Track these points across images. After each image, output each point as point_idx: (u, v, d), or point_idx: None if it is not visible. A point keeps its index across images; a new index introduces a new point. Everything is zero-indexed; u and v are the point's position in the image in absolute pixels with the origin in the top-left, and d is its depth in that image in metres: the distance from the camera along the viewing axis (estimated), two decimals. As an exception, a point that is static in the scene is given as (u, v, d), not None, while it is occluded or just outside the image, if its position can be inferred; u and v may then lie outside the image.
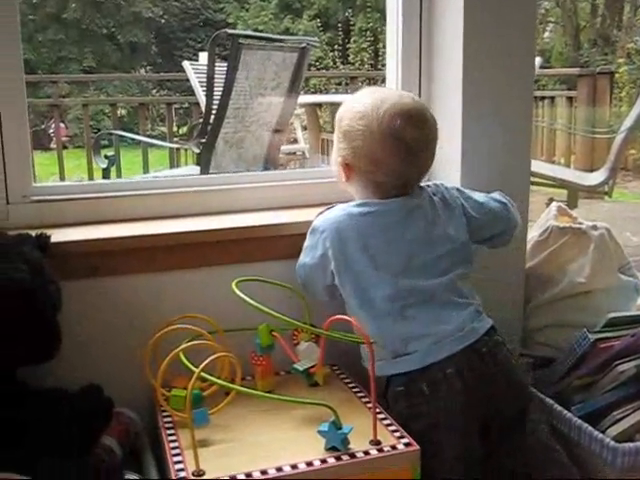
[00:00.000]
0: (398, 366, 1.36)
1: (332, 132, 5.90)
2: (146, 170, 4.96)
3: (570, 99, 5.99)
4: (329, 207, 1.48)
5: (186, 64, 4.42)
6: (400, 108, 1.38)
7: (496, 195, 1.57)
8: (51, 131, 8.18)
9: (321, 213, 1.47)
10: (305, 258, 1.45)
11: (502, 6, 1.63)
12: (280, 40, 3.48)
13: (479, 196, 1.54)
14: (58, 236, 1.36)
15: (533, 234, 1.82)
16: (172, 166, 5.27)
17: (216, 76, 3.07)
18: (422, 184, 1.49)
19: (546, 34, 12.36)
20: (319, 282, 1.44)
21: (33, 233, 1.32)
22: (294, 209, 1.64)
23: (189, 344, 1.29)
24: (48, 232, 1.34)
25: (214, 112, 3.06)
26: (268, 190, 1.67)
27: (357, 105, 1.42)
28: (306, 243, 1.46)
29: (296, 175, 1.80)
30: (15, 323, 1.14)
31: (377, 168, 1.39)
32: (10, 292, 1.12)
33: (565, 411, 1.53)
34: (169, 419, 1.33)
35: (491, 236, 1.54)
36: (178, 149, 5.25)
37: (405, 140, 1.37)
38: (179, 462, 1.19)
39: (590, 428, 1.47)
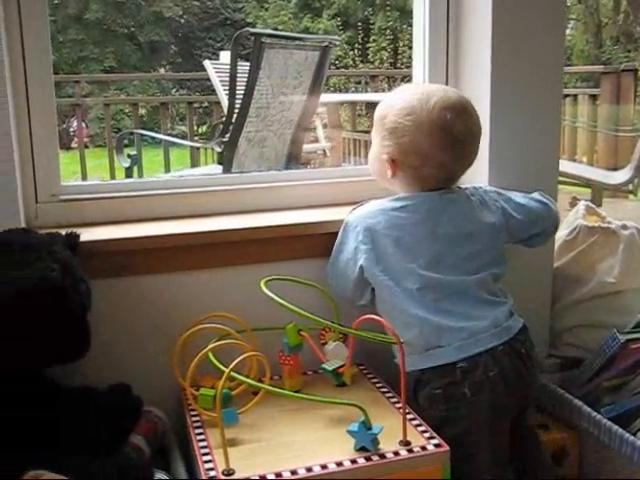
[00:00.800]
0: (431, 359, 1.35)
1: (353, 131, 5.90)
2: (167, 169, 4.98)
3: (593, 97, 5.93)
4: (362, 203, 1.47)
5: (207, 63, 4.43)
6: (448, 101, 1.38)
7: (536, 195, 1.56)
8: (72, 130, 8.26)
9: (354, 209, 1.46)
10: (337, 254, 1.45)
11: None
12: (302, 39, 3.47)
13: (519, 197, 1.53)
14: (86, 235, 1.36)
15: (561, 233, 1.80)
16: (193, 165, 5.29)
17: (238, 75, 3.08)
18: (461, 185, 1.48)
19: (567, 31, 12.25)
20: (350, 278, 1.43)
21: (63, 232, 1.32)
22: (319, 208, 1.63)
23: (218, 343, 1.29)
24: (77, 231, 1.34)
25: (236, 111, 3.06)
26: (292, 189, 1.67)
27: (401, 102, 1.41)
28: (338, 240, 1.45)
29: (320, 174, 1.78)
30: (46, 322, 1.15)
31: (425, 162, 1.39)
32: (42, 291, 1.12)
33: (594, 413, 1.52)
34: (197, 418, 1.33)
35: (531, 236, 1.54)
36: (199, 148, 5.27)
37: (454, 133, 1.37)
38: (209, 461, 1.19)
39: (621, 430, 1.45)
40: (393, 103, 1.43)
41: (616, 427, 1.46)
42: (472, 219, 1.43)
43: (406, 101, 1.40)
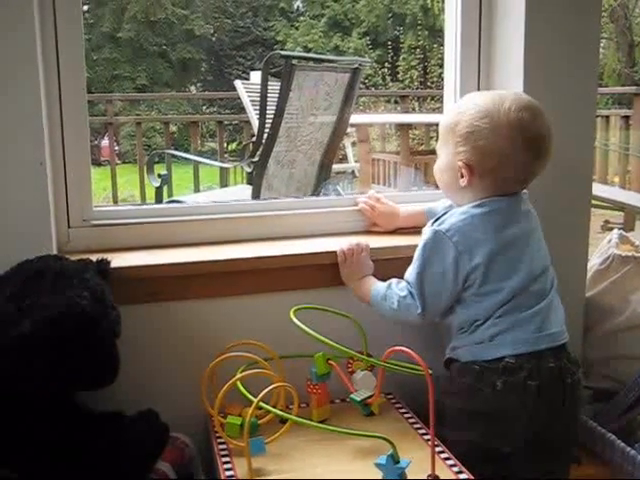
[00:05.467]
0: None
1: (382, 152, 5.86)
2: (197, 188, 5.02)
3: (626, 118, 5.87)
4: (441, 215, 1.43)
5: (238, 83, 4.47)
6: (522, 102, 1.38)
7: None
8: (104, 144, 8.38)
9: (436, 221, 1.42)
10: (428, 266, 1.38)
11: (564, 17, 1.63)
12: (332, 61, 3.49)
13: None
14: (117, 261, 1.38)
15: (593, 262, 1.78)
16: (222, 184, 5.32)
17: (268, 95, 3.09)
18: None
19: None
20: (446, 290, 1.38)
21: (94, 258, 1.33)
22: (349, 235, 1.63)
23: (246, 373, 1.29)
24: (108, 257, 1.36)
25: (266, 132, 3.07)
26: (322, 216, 1.67)
27: (474, 106, 1.39)
28: (425, 253, 1.39)
29: (351, 201, 1.74)
30: (76, 349, 1.15)
31: (504, 164, 1.37)
32: (72, 320, 1.13)
33: (628, 448, 1.48)
34: (224, 446, 1.32)
35: None
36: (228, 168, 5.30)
37: (532, 132, 1.36)
38: (235, 492, 1.18)
39: (656, 467, 1.42)
40: (463, 110, 1.41)
41: (651, 464, 1.43)
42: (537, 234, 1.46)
43: (479, 105, 1.39)
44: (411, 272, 1.40)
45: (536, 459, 1.35)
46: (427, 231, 1.40)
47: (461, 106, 1.44)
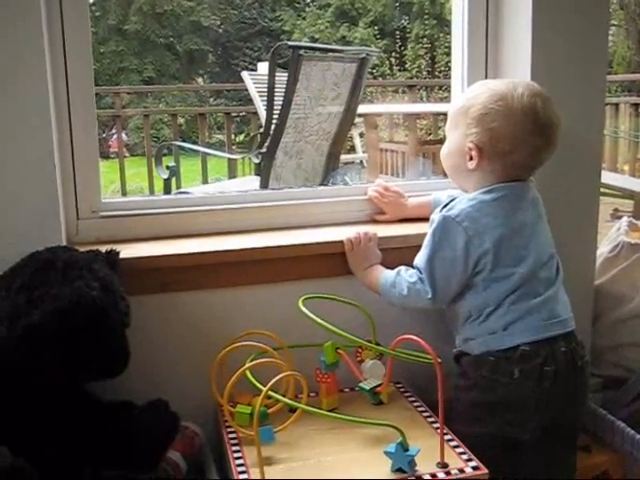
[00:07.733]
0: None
1: (390, 142, 5.83)
2: (205, 179, 5.02)
3: (635, 106, 5.83)
4: (449, 201, 1.43)
5: (245, 75, 4.46)
6: (535, 90, 1.40)
7: None
8: (113, 138, 8.40)
9: (445, 207, 1.41)
10: (438, 252, 1.39)
11: (572, 4, 1.62)
12: (340, 51, 3.48)
13: None
14: (126, 251, 1.38)
15: (603, 250, 1.77)
16: (230, 175, 5.33)
17: (275, 86, 3.09)
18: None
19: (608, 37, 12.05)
20: (456, 275, 1.38)
21: (103, 249, 1.34)
22: (358, 224, 1.63)
23: (255, 362, 1.29)
24: (117, 248, 1.36)
25: (274, 122, 3.07)
26: (331, 205, 1.67)
27: (488, 90, 1.41)
28: (435, 238, 1.39)
29: (360, 190, 1.73)
30: (85, 339, 1.16)
31: (515, 148, 1.38)
32: (82, 310, 1.13)
33: (638, 436, 1.48)
34: (234, 435, 1.33)
35: None
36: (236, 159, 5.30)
37: (543, 119, 1.38)
38: (245, 480, 1.19)
39: (666, 454, 1.42)
40: (476, 94, 1.42)
41: (661, 451, 1.43)
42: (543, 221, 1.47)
43: (493, 89, 1.40)
44: (421, 258, 1.41)
45: (549, 445, 1.35)
46: (436, 217, 1.40)
47: (473, 91, 1.45)
